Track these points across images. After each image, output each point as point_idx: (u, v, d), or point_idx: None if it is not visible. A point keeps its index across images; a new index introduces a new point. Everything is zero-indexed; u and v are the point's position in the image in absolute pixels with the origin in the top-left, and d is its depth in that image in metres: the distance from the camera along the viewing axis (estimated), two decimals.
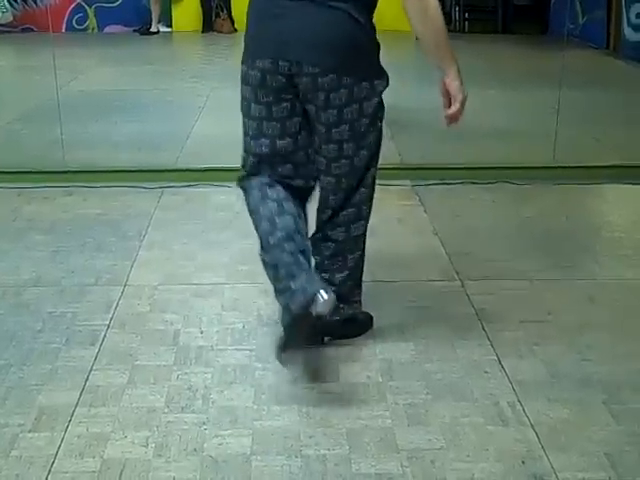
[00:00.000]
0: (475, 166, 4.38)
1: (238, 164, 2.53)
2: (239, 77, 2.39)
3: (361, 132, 2.35)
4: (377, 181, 4.32)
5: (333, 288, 2.50)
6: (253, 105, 2.36)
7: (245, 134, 2.45)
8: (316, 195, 2.55)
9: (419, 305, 2.91)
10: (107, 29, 9.95)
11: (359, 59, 2.28)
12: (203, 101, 6.15)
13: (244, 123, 2.44)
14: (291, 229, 2.32)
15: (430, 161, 4.47)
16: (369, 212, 2.53)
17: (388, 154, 4.63)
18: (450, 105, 2.33)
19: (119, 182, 4.19)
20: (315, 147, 2.43)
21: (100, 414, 2.27)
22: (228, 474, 2.04)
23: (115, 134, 5.23)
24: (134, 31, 9.66)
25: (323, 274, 2.53)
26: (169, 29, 9.90)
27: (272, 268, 2.33)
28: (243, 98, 2.39)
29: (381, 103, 2.38)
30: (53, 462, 2.07)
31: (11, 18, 9.61)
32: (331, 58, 2.24)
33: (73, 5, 9.84)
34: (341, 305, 2.54)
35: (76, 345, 2.63)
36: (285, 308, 2.27)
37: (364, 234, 2.55)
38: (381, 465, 2.06)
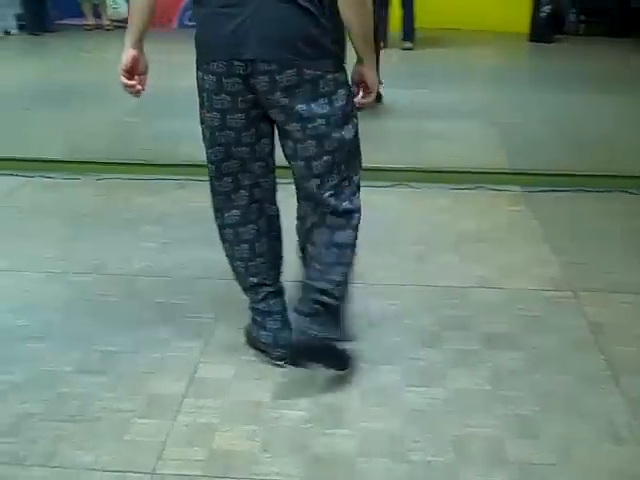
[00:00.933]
0: (588, 174, 4.22)
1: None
2: None
3: (337, 127, 2.22)
4: (487, 185, 4.20)
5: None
6: (209, 113, 2.29)
7: (205, 140, 2.40)
8: None
9: (529, 314, 2.83)
10: None
11: (318, 52, 2.14)
12: None
13: (203, 132, 2.38)
14: (262, 273, 2.53)
15: (541, 167, 4.34)
16: (359, 204, 2.38)
17: (497, 159, 4.55)
18: (359, 92, 2.33)
19: None
20: (288, 154, 2.32)
21: (207, 405, 2.31)
22: (332, 474, 2.04)
23: None
24: None
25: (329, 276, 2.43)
26: None
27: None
28: (201, 106, 2.32)
29: (350, 97, 2.26)
30: (163, 449, 2.12)
31: (126, 14, 9.91)
32: (287, 52, 2.12)
33: (184, 2, 10.05)
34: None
35: (184, 336, 2.68)
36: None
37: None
38: (489, 477, 2.02)
